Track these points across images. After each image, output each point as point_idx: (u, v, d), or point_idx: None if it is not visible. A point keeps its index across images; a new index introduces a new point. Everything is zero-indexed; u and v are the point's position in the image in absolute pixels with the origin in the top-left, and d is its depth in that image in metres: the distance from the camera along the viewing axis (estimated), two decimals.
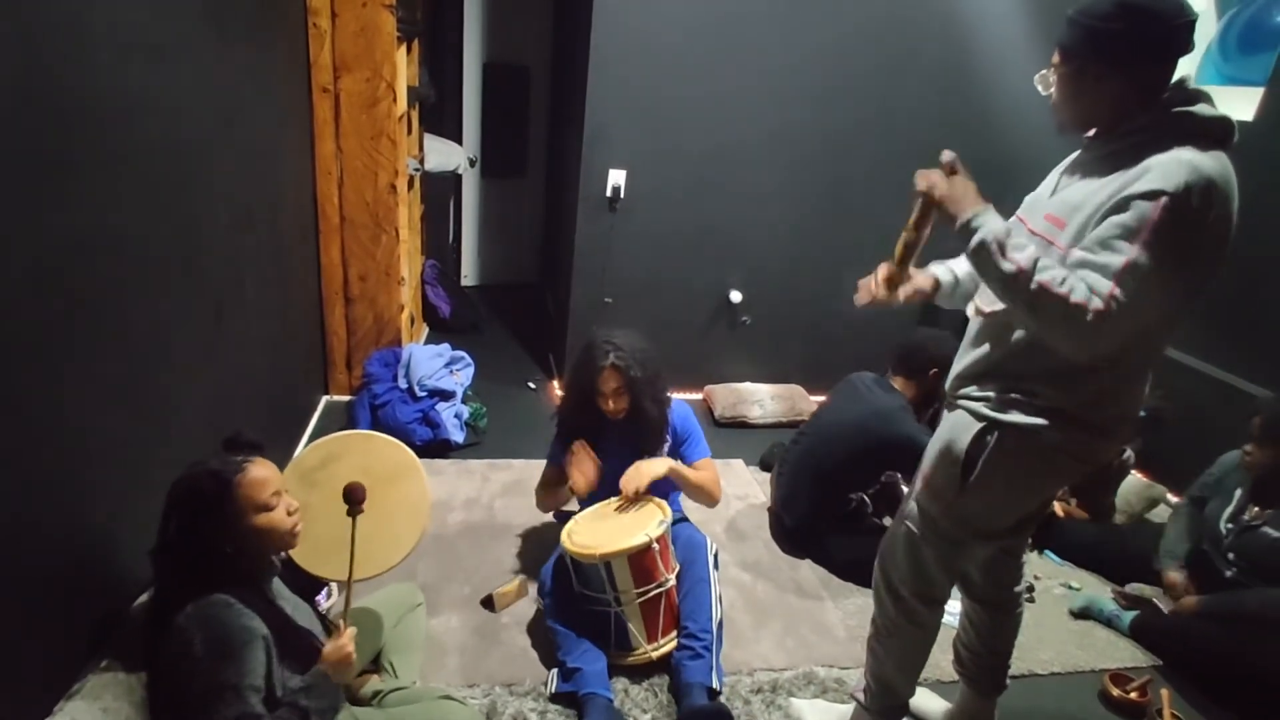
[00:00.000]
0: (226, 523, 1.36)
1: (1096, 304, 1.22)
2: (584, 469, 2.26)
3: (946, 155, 1.40)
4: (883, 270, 1.59)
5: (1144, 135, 1.31)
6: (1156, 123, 1.31)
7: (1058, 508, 2.94)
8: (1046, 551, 2.89)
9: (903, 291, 1.60)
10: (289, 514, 1.44)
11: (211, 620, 1.29)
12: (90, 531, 1.52)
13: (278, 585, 1.55)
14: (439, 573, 2.44)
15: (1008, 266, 1.28)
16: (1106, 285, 1.23)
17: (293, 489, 1.58)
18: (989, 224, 1.32)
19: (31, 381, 1.31)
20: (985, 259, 1.31)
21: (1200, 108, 1.30)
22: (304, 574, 1.75)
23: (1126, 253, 1.23)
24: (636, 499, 2.21)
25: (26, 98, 1.26)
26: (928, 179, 1.40)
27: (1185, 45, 1.30)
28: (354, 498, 1.60)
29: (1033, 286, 1.25)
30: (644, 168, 3.47)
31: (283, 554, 1.62)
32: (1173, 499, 2.69)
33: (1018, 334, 1.45)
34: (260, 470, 1.41)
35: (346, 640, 1.48)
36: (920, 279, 1.66)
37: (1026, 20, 3.45)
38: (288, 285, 2.91)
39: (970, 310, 1.62)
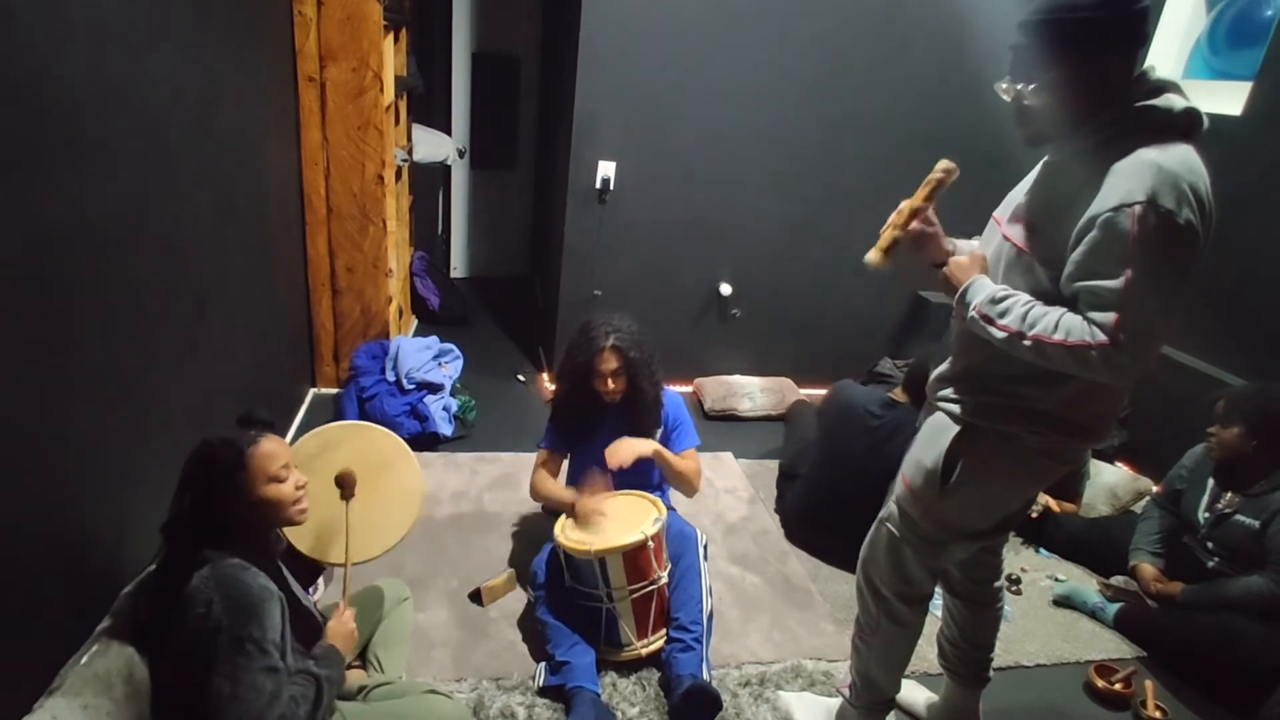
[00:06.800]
0: (239, 491, 1.40)
1: (1100, 337, 1.24)
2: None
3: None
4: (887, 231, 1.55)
5: (1109, 131, 1.29)
6: (1121, 117, 1.29)
7: (1051, 503, 2.95)
8: (1040, 549, 2.91)
9: (915, 226, 1.54)
10: (297, 488, 1.48)
11: (229, 580, 1.32)
12: (71, 528, 1.50)
13: (281, 566, 1.57)
14: (426, 566, 2.43)
15: (999, 335, 1.35)
16: (1109, 316, 1.23)
17: None
18: (975, 297, 1.39)
19: (8, 378, 1.29)
20: (981, 330, 1.39)
21: (1165, 99, 1.28)
22: (300, 565, 1.78)
23: (1121, 275, 1.22)
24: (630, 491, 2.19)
25: None
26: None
27: (1149, 31, 1.33)
28: (345, 483, 1.72)
29: (1027, 344, 1.31)
30: (633, 160, 3.45)
31: (283, 543, 1.65)
32: (1157, 491, 2.72)
33: None
34: (272, 444, 1.45)
35: (349, 618, 1.61)
36: (941, 238, 1.57)
37: (1020, 9, 3.44)
38: (273, 277, 2.88)
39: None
